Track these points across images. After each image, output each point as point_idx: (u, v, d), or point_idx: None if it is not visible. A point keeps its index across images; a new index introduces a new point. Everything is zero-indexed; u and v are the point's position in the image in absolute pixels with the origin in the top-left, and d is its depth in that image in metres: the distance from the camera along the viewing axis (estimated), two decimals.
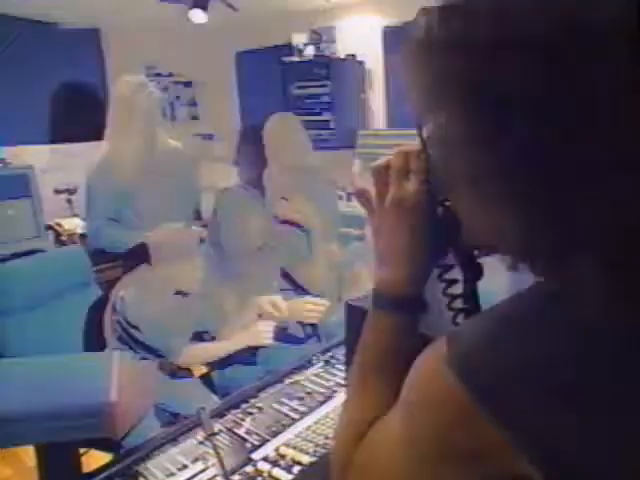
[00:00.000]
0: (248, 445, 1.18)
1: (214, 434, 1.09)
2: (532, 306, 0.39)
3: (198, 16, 3.11)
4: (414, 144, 0.54)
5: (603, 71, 0.35)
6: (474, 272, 0.54)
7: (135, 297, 1.70)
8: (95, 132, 4.59)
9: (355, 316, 0.68)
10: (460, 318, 0.54)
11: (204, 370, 1.97)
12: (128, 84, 2.22)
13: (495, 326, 0.39)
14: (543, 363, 0.36)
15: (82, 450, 1.52)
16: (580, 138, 0.36)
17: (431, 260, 0.54)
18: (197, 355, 1.79)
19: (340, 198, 4.16)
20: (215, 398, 1.76)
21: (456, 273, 0.57)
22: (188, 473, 1.09)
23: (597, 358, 0.36)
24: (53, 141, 4.30)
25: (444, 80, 0.38)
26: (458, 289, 0.55)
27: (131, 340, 1.71)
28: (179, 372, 1.86)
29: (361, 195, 0.57)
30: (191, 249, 1.80)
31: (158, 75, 4.73)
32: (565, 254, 0.40)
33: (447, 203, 0.50)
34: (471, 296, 0.54)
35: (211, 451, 1.13)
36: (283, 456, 1.13)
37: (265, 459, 1.13)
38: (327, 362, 1.58)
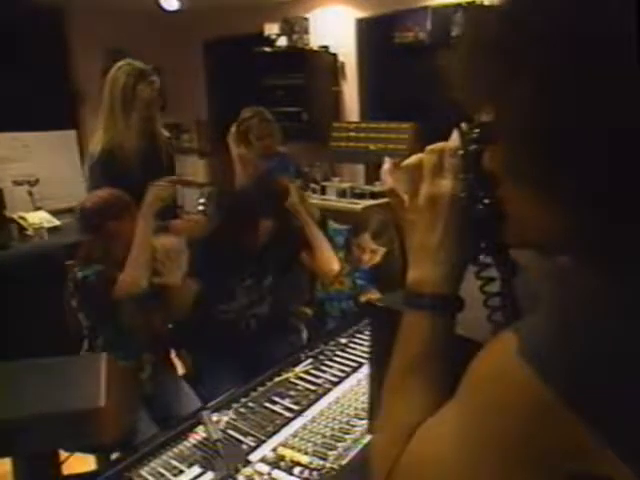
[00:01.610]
0: (244, 447, 1.15)
1: (218, 440, 1.05)
2: (602, 300, 0.38)
3: (170, 3, 3.01)
4: (447, 142, 0.53)
5: None
6: (510, 270, 0.54)
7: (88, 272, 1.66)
8: (55, 120, 4.41)
9: (380, 316, 0.66)
10: (497, 316, 0.54)
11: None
12: (128, 71, 2.08)
13: (567, 320, 0.38)
14: (625, 358, 0.35)
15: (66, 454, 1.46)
16: None
17: (466, 258, 0.53)
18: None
19: (314, 191, 4.14)
20: (197, 400, 1.73)
21: (490, 271, 0.56)
22: (185, 478, 1.06)
23: None
24: (10, 129, 4.09)
25: (521, 75, 0.37)
26: (492, 287, 0.55)
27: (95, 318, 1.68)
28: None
29: (392, 193, 0.55)
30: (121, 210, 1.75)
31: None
32: (631, 253, 0.39)
33: (486, 201, 0.49)
34: (509, 294, 0.54)
35: (207, 455, 1.10)
36: (282, 457, 1.11)
37: (263, 460, 1.10)
38: (315, 358, 1.57)
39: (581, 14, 0.36)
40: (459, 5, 3.26)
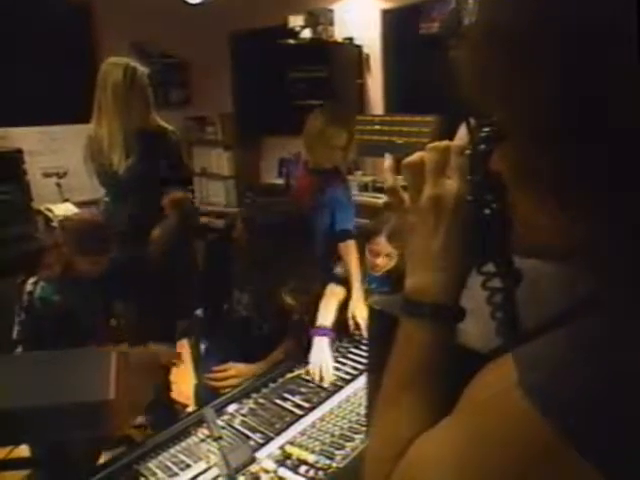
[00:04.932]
0: (252, 443, 1.14)
1: (220, 437, 1.05)
2: (608, 327, 0.35)
3: None
4: (453, 140, 0.50)
5: None
6: (514, 279, 0.51)
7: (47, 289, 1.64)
8: (83, 114, 4.48)
9: (379, 321, 0.64)
10: (504, 329, 0.51)
11: None
12: (116, 66, 2.16)
13: (572, 350, 0.35)
14: (634, 395, 0.32)
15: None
16: None
17: (470, 266, 0.50)
18: None
19: None
20: None
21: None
22: (191, 473, 1.06)
23: None
24: (40, 123, 4.18)
25: (540, 72, 0.34)
26: (499, 298, 0.51)
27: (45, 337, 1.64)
28: None
29: (392, 192, 0.52)
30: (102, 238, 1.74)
31: (149, 55, 4.61)
32: None
33: (494, 205, 0.46)
34: (511, 305, 0.51)
35: (213, 449, 1.10)
36: (288, 455, 1.10)
37: (270, 458, 1.10)
38: None
39: (608, 9, 0.33)
40: None
